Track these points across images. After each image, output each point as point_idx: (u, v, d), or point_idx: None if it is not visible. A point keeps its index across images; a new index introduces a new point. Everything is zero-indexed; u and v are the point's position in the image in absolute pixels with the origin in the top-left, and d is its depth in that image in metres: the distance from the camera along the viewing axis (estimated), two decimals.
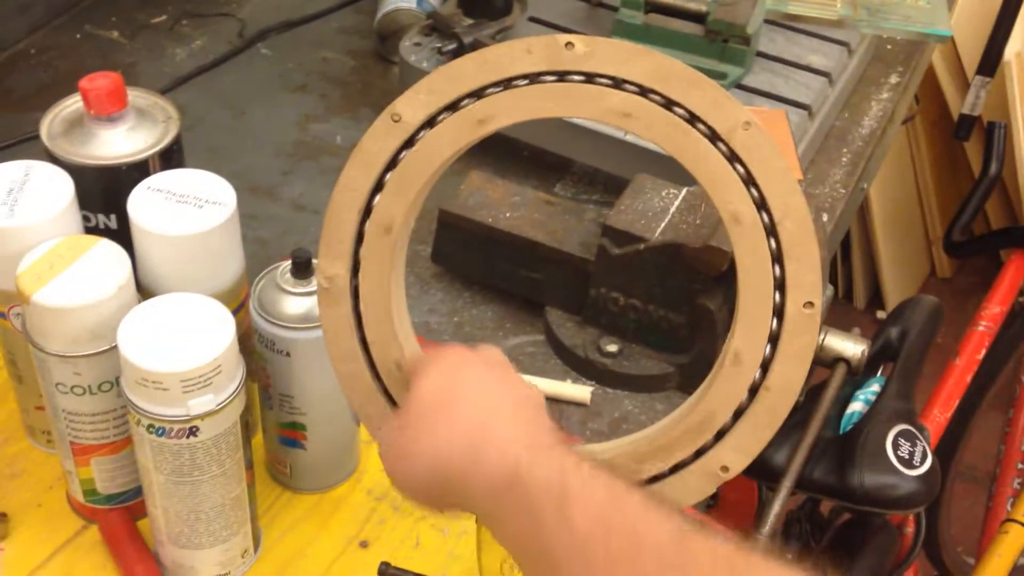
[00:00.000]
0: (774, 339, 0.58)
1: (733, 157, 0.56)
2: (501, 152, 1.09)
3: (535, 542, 0.50)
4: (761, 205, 0.56)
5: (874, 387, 0.90)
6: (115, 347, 0.67)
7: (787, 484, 0.80)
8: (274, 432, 0.80)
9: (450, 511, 0.57)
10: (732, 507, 1.24)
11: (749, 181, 0.56)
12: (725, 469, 0.60)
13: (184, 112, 1.14)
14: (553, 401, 0.92)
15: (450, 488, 0.54)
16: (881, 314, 2.29)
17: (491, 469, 0.52)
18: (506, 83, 0.57)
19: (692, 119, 0.56)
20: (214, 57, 1.26)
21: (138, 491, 0.75)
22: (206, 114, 1.19)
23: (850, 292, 2.33)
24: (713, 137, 0.56)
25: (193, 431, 0.67)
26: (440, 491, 0.55)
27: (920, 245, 2.36)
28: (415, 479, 0.56)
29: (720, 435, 0.60)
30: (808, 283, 0.57)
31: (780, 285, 0.57)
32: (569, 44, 0.56)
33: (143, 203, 0.74)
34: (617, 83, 0.56)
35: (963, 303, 2.07)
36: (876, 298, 2.32)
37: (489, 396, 0.56)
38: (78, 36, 1.29)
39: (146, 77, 1.22)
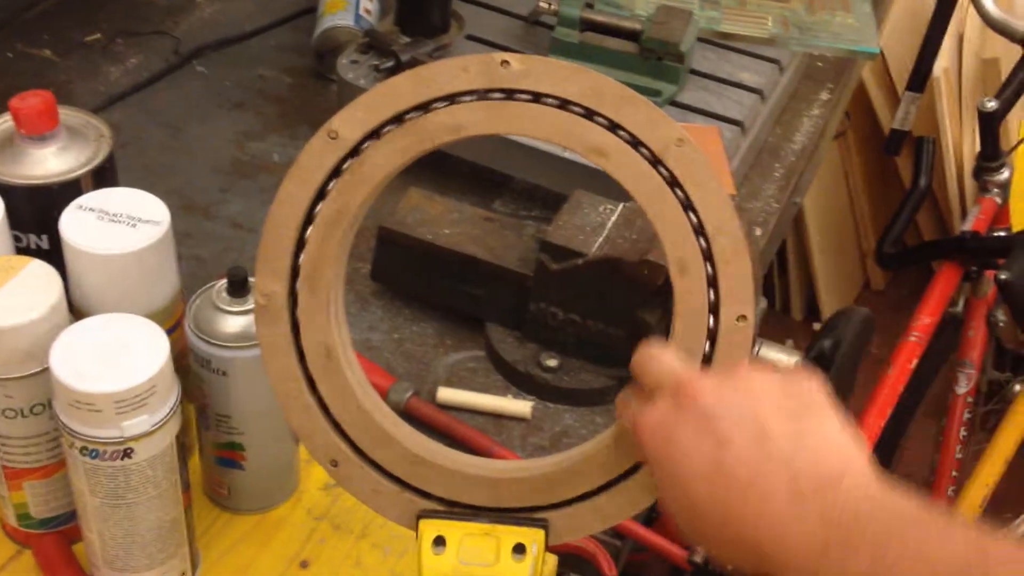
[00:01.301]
0: (708, 352, 0.58)
1: (667, 174, 0.57)
2: (440, 169, 1.09)
3: None
4: (695, 221, 0.57)
5: None
6: (47, 368, 0.66)
7: None
8: (211, 452, 0.79)
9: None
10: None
11: (682, 198, 0.57)
12: None
13: (119, 130, 1.13)
14: (494, 416, 0.92)
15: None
16: (817, 325, 2.32)
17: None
18: (450, 99, 0.57)
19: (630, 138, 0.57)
20: (149, 75, 1.25)
21: (73, 515, 0.74)
22: (141, 132, 1.18)
23: (787, 304, 2.37)
24: (647, 155, 0.57)
25: (128, 453, 0.66)
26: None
27: (854, 257, 2.41)
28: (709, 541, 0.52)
29: None
30: (741, 296, 0.58)
31: (714, 298, 0.58)
32: (505, 62, 0.57)
33: (75, 222, 0.73)
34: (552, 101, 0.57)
35: (897, 314, 2.11)
36: (813, 309, 2.36)
37: (772, 463, 0.50)
38: (10, 55, 1.27)
39: (80, 95, 1.21)
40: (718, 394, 0.53)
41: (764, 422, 0.51)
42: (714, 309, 0.58)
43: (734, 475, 0.50)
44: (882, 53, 2.09)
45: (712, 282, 0.58)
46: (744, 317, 0.58)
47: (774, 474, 0.50)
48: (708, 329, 0.58)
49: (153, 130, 1.19)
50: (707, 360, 0.58)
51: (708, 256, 0.57)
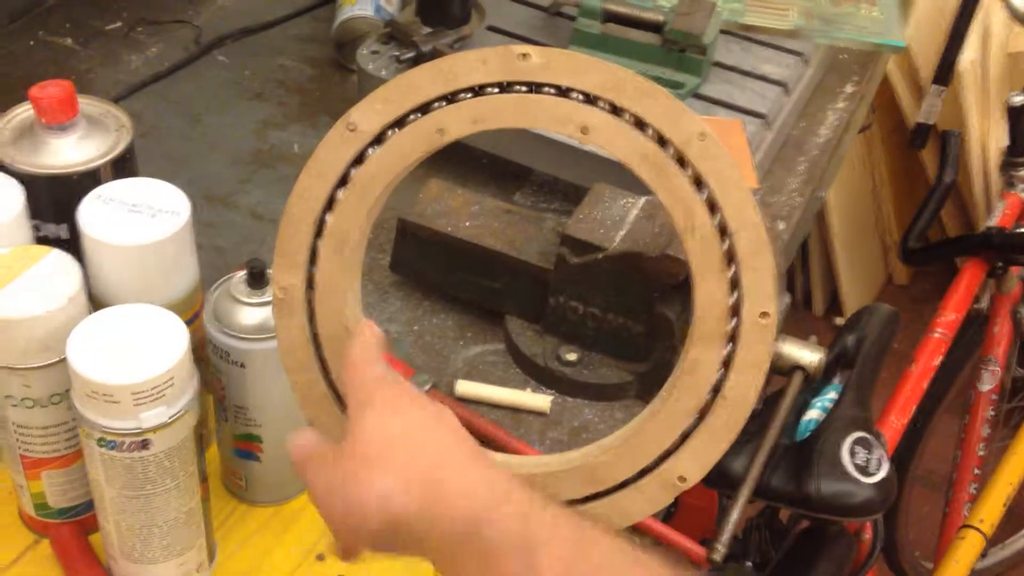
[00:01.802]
0: (730, 349, 0.58)
1: (689, 168, 0.57)
2: (460, 160, 1.09)
3: None
4: (716, 217, 0.57)
5: (831, 394, 0.91)
6: (65, 359, 0.66)
7: (745, 492, 0.81)
8: (229, 444, 0.79)
9: (401, 555, 0.55)
10: (692, 514, 1.25)
11: (704, 193, 0.56)
12: (682, 479, 0.60)
13: (139, 120, 1.13)
14: (512, 410, 0.91)
15: (401, 537, 0.53)
16: (839, 320, 2.30)
17: (448, 521, 0.51)
18: (469, 91, 0.57)
19: (647, 130, 0.56)
20: (170, 64, 1.25)
21: (90, 505, 0.74)
22: (162, 122, 1.18)
23: (809, 299, 2.35)
24: (661, 142, 0.56)
25: (145, 444, 0.66)
26: (389, 539, 0.53)
27: (877, 252, 2.39)
28: (360, 526, 0.53)
29: (677, 445, 0.60)
30: (763, 293, 0.57)
31: (736, 295, 0.57)
32: (524, 55, 0.56)
33: (94, 213, 0.73)
34: (569, 93, 0.56)
35: (920, 309, 2.10)
36: (834, 304, 2.34)
37: (438, 441, 0.54)
38: (31, 43, 1.27)
39: (101, 84, 1.21)
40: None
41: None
42: (736, 305, 0.57)
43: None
44: (907, 46, 2.06)
45: (734, 278, 0.57)
46: (766, 314, 0.57)
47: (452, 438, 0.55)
48: (730, 325, 0.57)
49: (173, 120, 1.19)
50: (728, 360, 0.57)
51: (730, 252, 0.57)
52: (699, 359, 0.58)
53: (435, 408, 0.56)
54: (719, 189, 0.56)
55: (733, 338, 0.58)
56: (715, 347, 0.58)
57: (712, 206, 0.56)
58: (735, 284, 0.57)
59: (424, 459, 0.53)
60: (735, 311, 0.57)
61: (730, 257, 0.57)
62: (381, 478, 0.52)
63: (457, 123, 0.57)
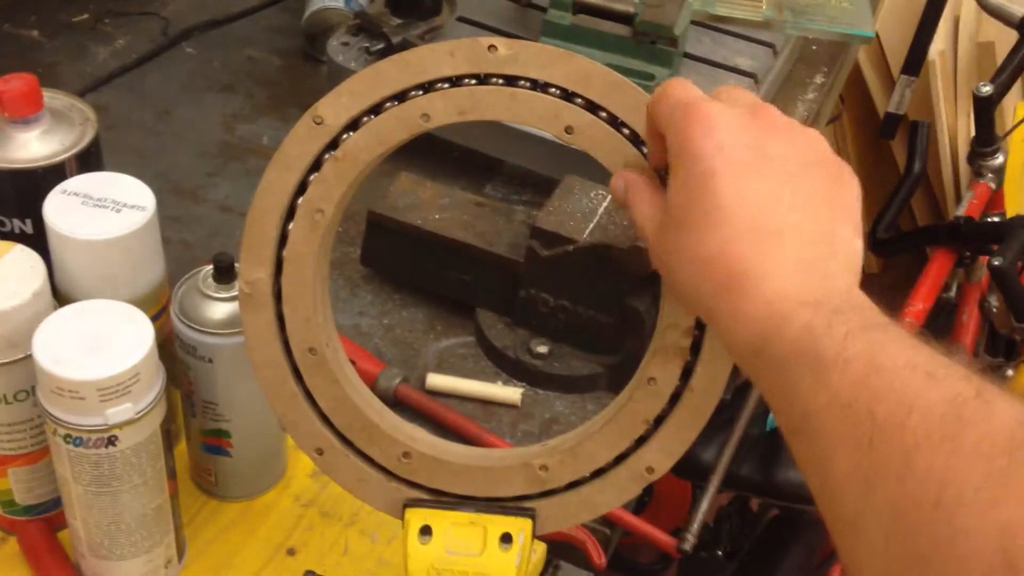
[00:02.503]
0: (697, 339, 0.58)
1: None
2: (431, 153, 1.08)
3: (789, 404, 0.45)
4: None
5: None
6: (30, 355, 0.66)
7: (715, 482, 0.81)
8: (198, 440, 0.79)
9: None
10: (667, 503, 1.25)
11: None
12: (650, 470, 0.61)
13: (107, 112, 1.12)
14: (484, 403, 0.91)
15: (705, 314, 0.48)
16: None
17: (742, 326, 0.46)
18: (428, 85, 0.57)
19: (615, 122, 0.56)
20: (137, 56, 1.24)
21: (58, 501, 0.74)
22: (129, 114, 1.17)
23: None
24: (636, 140, 0.56)
25: (112, 440, 0.66)
26: (697, 308, 0.49)
27: None
28: (675, 285, 0.49)
29: (645, 437, 0.60)
30: None
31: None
32: (492, 47, 0.56)
33: (59, 207, 0.72)
34: (539, 86, 0.56)
35: (891, 298, 2.10)
36: None
37: (780, 210, 0.47)
38: None
39: (67, 77, 1.20)
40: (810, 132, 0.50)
41: (837, 178, 0.50)
42: (700, 321, 0.57)
43: (778, 191, 0.48)
44: (877, 36, 2.07)
45: None
46: None
47: (814, 214, 0.48)
48: (697, 317, 0.57)
49: (141, 112, 1.18)
50: (695, 348, 0.58)
51: None
52: (658, 372, 0.58)
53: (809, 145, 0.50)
54: None
55: (700, 328, 0.58)
56: (676, 360, 0.58)
57: None
58: None
59: (746, 235, 0.47)
60: (699, 323, 0.57)
61: None
62: (691, 245, 0.48)
63: (444, 111, 0.57)
